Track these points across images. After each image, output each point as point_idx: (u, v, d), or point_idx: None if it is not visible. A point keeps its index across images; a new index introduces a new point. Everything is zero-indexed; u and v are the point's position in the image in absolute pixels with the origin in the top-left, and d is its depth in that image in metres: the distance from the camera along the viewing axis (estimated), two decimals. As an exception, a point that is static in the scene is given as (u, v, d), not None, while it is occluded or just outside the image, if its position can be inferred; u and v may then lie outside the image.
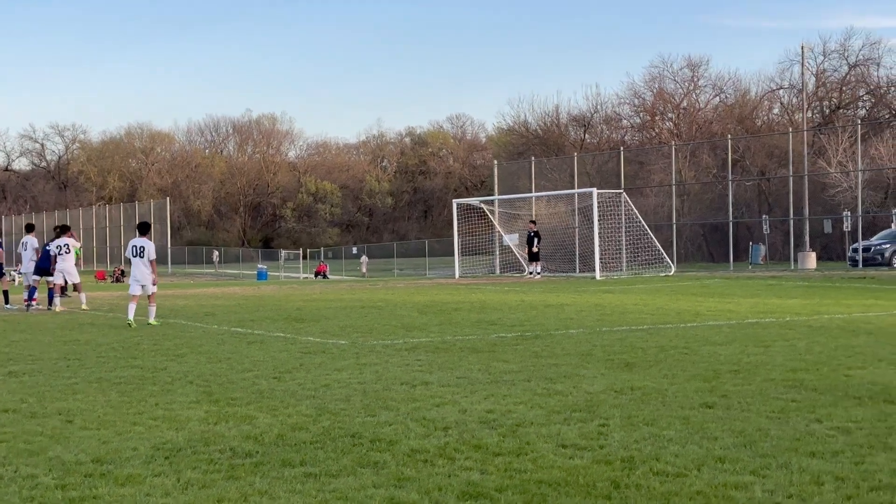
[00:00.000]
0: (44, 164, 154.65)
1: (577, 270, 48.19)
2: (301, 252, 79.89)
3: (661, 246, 46.53)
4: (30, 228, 29.20)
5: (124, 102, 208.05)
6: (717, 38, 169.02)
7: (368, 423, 9.46)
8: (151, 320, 21.18)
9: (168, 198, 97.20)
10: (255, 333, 18.55)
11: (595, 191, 43.46)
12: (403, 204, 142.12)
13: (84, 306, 26.19)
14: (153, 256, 21.76)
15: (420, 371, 12.88)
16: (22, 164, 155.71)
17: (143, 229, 22.46)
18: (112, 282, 61.93)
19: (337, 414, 9.99)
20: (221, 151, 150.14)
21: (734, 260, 51.87)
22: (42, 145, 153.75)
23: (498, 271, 51.61)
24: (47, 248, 26.93)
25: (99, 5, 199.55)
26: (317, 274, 68.29)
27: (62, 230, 27.50)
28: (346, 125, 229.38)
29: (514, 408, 10.19)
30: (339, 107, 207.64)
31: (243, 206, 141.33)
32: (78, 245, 28.16)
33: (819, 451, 8.12)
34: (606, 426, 9.22)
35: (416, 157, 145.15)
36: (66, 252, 26.44)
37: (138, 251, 21.67)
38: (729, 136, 57.66)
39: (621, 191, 46.95)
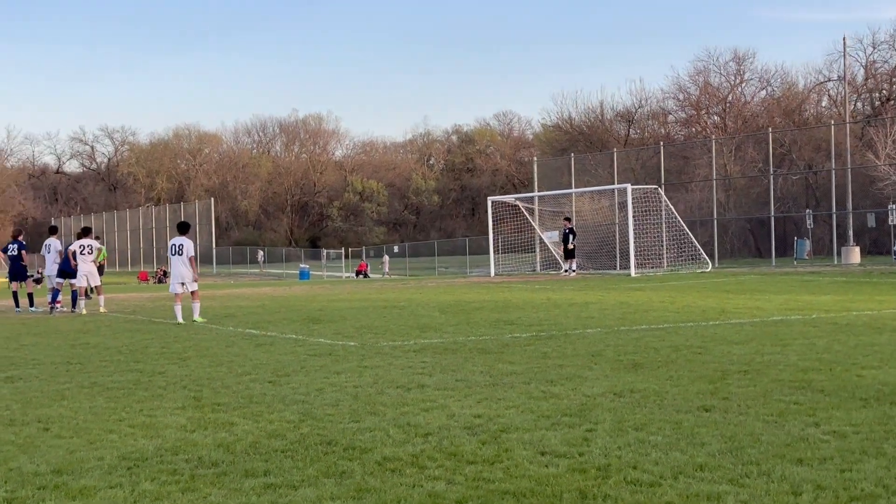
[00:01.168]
0: (94, 165, 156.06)
1: (619, 267, 47.68)
2: (343, 251, 79.89)
3: (707, 241, 45.99)
4: (53, 230, 29.21)
5: (172, 104, 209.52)
6: (763, 31, 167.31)
7: (348, 430, 9.18)
8: (196, 317, 21.93)
9: (213, 198, 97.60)
10: (267, 335, 18.34)
11: (629, 187, 42.88)
12: (450, 202, 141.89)
13: (102, 308, 26.11)
14: (192, 253, 22.39)
15: (420, 374, 12.59)
16: (73, 167, 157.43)
17: (183, 228, 23.13)
18: (155, 282, 62.22)
19: (320, 420, 9.71)
20: (269, 151, 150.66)
21: (782, 255, 51.20)
22: (92, 147, 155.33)
23: (538, 269, 51.20)
24: (69, 248, 26.90)
25: (146, 9, 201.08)
26: (358, 273, 68.24)
27: (84, 232, 27.49)
28: (393, 124, 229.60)
29: (504, 412, 9.87)
30: (386, 106, 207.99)
31: (290, 206, 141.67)
32: (102, 248, 28.00)
33: (807, 457, 7.76)
34: (594, 431, 8.88)
35: (462, 155, 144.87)
36: (88, 253, 26.38)
37: (177, 249, 22.41)
38: (770, 129, 56.87)
39: (656, 186, 46.39)
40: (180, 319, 21.57)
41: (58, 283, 27.05)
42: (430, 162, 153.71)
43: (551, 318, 20.15)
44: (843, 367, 12.24)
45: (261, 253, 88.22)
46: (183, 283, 22.26)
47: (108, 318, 24.39)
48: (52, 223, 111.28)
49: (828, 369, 12.13)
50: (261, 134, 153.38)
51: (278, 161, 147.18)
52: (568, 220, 45.23)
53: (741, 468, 7.50)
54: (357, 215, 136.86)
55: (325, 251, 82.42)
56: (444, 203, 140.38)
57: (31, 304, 27.70)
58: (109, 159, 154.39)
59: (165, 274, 65.39)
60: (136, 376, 13.05)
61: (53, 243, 27.81)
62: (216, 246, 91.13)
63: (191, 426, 9.57)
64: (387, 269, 73.32)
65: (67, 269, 26.60)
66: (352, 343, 16.44)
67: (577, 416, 9.55)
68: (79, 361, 14.84)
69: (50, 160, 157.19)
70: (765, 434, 8.58)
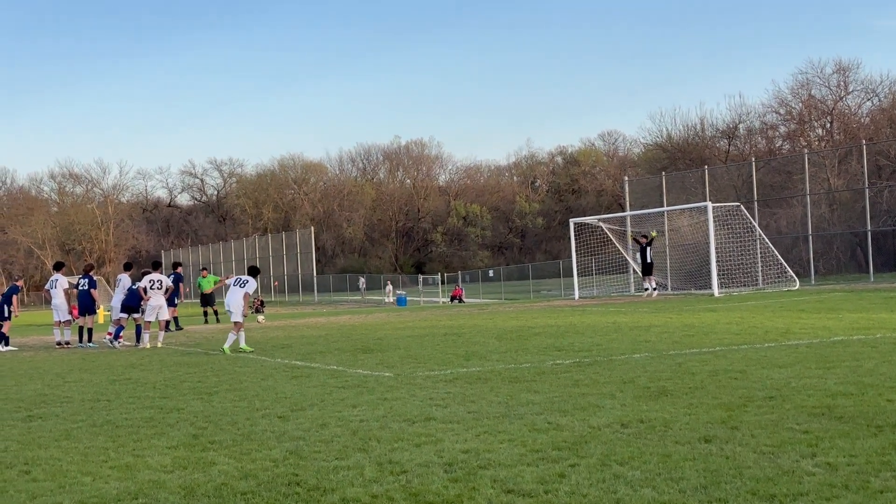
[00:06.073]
0: (204, 198, 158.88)
1: (714, 286, 46.70)
2: (440, 276, 79.80)
3: (809, 257, 44.82)
4: (127, 267, 29.52)
5: (277, 135, 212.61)
6: (868, 39, 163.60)
7: (324, 469, 8.90)
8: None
9: (313, 227, 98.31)
10: (310, 367, 18.15)
11: (710, 205, 42.04)
12: (556, 224, 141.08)
13: (159, 343, 26.28)
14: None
15: (435, 406, 12.26)
16: (184, 200, 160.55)
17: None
18: (252, 312, 62.53)
19: (304, 458, 9.45)
20: (372, 179, 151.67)
21: (890, 270, 49.84)
22: (202, 180, 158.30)
23: (633, 290, 50.47)
24: (133, 287, 27.16)
25: (249, 44, 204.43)
26: (453, 298, 67.94)
27: (154, 266, 27.80)
28: (496, 147, 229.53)
29: (495, 447, 9.52)
30: (488, 129, 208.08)
31: (395, 232, 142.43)
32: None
33: (782, 493, 7.32)
34: (576, 467, 8.50)
35: (567, 177, 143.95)
36: (158, 288, 26.62)
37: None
38: (864, 140, 55.33)
39: (738, 204, 45.43)
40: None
41: (122, 318, 27.32)
42: (536, 184, 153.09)
43: (604, 343, 19.68)
44: (876, 392, 11.66)
45: (361, 280, 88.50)
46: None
47: (164, 351, 24.52)
48: (162, 256, 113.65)
49: (860, 394, 11.55)
50: (364, 162, 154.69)
51: (382, 188, 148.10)
52: (645, 237, 44.48)
53: (705, 507, 7.08)
54: (461, 240, 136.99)
55: (420, 277, 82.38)
56: (549, 225, 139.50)
57: (90, 340, 27.99)
58: (218, 191, 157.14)
59: (262, 304, 65.82)
60: (152, 413, 12.94)
61: (124, 279, 28.08)
62: (318, 274, 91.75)
63: (171, 466, 9.38)
64: (389, 299, 72.12)
65: (131, 304, 26.87)
66: (387, 374, 16.18)
67: (568, 450, 9.18)
68: (108, 398, 14.79)
69: (162, 194, 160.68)
70: (752, 467, 8.14)
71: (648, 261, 42.98)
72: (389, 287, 74.55)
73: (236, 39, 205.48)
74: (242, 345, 22.51)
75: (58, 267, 30.06)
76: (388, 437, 10.29)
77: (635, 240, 46.28)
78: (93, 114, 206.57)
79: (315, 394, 14.07)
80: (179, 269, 37.56)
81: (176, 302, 34.05)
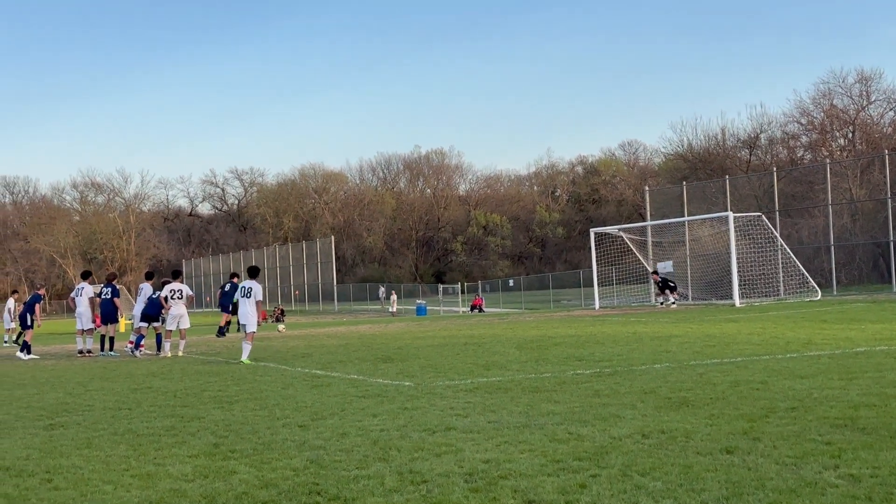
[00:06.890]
0: (225, 207, 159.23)
1: (735, 296, 46.60)
2: (460, 286, 79.81)
3: (831, 267, 44.64)
4: (149, 276, 29.66)
5: (298, 144, 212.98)
6: (890, 49, 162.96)
7: (345, 478, 8.89)
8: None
9: (334, 236, 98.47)
10: (330, 376, 18.17)
11: (731, 215, 41.98)
12: (576, 233, 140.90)
13: (181, 352, 26.46)
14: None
15: (456, 415, 12.25)
16: (205, 209, 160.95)
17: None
18: (272, 321, 62.73)
19: (325, 467, 9.44)
20: (392, 188, 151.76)
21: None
22: (223, 189, 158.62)
23: (654, 300, 50.37)
24: (153, 296, 27.24)
25: (270, 54, 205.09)
26: (473, 307, 67.94)
27: (174, 275, 27.89)
28: (516, 157, 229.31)
29: (516, 457, 9.49)
30: (508, 139, 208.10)
31: (415, 242, 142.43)
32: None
33: (803, 505, 7.27)
34: (596, 477, 8.46)
35: (587, 186, 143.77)
36: (178, 297, 26.71)
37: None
38: (886, 150, 55.14)
39: (760, 214, 45.36)
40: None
41: (142, 327, 27.42)
42: (556, 194, 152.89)
43: (625, 353, 19.64)
44: (900, 403, 11.58)
45: (381, 289, 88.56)
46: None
47: (185, 360, 24.60)
48: (183, 265, 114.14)
49: (883, 405, 11.48)
50: (385, 171, 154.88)
51: (402, 197, 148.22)
52: (656, 272, 44.69)
53: (725, 519, 7.04)
54: (481, 249, 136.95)
55: (440, 287, 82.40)
56: (569, 235, 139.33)
57: (112, 349, 28.13)
58: (239, 201, 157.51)
59: (283, 312, 66.06)
60: (173, 422, 12.96)
61: (146, 288, 28.20)
62: (338, 283, 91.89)
63: (192, 475, 9.38)
64: (393, 309, 71.77)
65: (150, 313, 26.99)
66: (407, 383, 16.18)
67: (589, 461, 9.14)
68: (128, 407, 14.82)
69: (183, 203, 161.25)
70: (774, 479, 8.09)
71: (672, 283, 43.05)
72: (393, 297, 74.30)
73: (257, 49, 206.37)
74: (244, 357, 22.42)
75: (85, 276, 30.39)
76: (409, 447, 10.27)
77: (655, 272, 46.43)
78: (115, 123, 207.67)
79: (335, 403, 14.08)
80: (235, 279, 37.38)
81: (231, 309, 35.47)
